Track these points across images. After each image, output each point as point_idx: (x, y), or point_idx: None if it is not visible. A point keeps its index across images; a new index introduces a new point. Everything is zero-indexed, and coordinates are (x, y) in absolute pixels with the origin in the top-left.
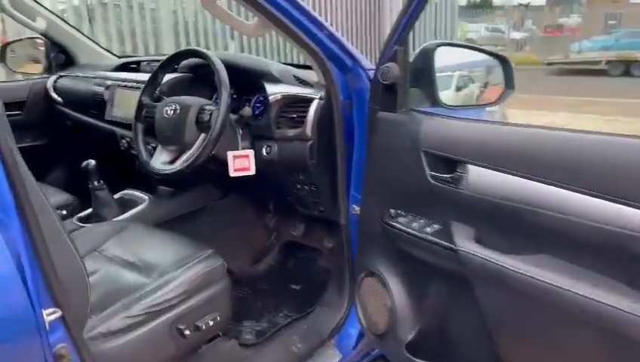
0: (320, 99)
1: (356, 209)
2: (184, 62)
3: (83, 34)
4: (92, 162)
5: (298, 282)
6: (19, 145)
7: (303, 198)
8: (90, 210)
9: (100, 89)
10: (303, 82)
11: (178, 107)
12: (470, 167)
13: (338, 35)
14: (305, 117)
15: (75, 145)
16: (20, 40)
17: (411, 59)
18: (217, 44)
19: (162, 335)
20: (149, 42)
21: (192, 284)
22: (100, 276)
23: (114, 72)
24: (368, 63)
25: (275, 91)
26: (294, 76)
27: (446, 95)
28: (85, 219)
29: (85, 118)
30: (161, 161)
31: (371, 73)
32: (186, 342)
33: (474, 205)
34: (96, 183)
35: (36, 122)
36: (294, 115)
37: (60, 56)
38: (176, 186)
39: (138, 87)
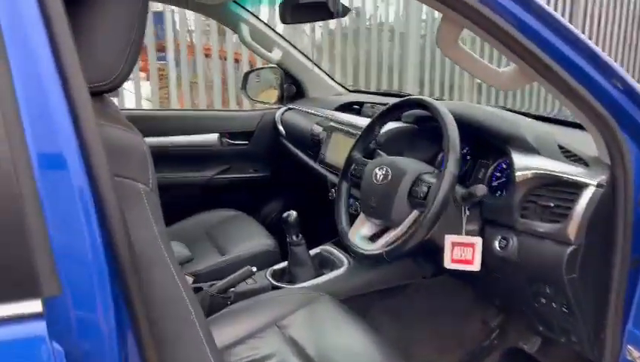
0: (598, 186)
1: (633, 353)
2: (410, 111)
3: (317, 65)
4: (293, 214)
5: None
6: (239, 175)
7: (545, 316)
8: (284, 264)
9: (318, 129)
10: (572, 156)
11: (390, 172)
12: None
13: (633, 82)
14: (570, 209)
15: (293, 182)
16: (261, 68)
17: None
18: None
19: None
20: (394, 72)
21: None
22: None
23: (336, 112)
24: None
25: (526, 165)
26: (559, 146)
27: None
28: (279, 275)
29: (302, 155)
30: (361, 234)
31: None
32: None
33: None
34: (294, 238)
35: (262, 153)
36: (552, 204)
37: (292, 88)
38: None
39: (354, 134)
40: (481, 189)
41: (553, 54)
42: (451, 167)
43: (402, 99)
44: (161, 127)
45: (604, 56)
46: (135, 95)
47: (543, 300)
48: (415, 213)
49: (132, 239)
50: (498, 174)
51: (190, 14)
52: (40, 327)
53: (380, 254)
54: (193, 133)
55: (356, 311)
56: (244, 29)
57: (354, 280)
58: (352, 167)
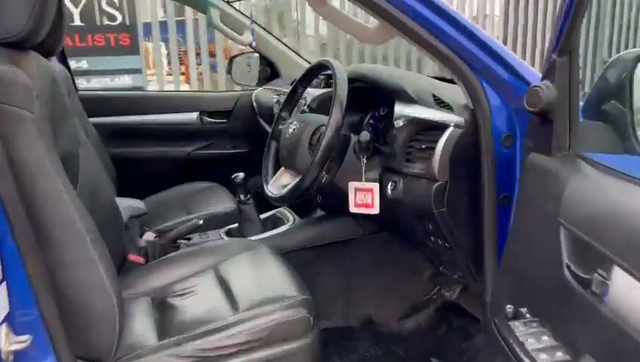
0: (457, 126)
1: None
2: None
3: (287, 45)
4: (240, 175)
5: (445, 359)
6: (219, 151)
7: (437, 254)
8: (236, 225)
9: (274, 102)
10: (442, 103)
11: (297, 125)
12: (619, 272)
13: (489, 38)
14: (434, 149)
15: None
16: (243, 53)
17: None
18: None
19: None
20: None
21: (263, 333)
22: (194, 298)
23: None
24: (537, 74)
25: (402, 114)
26: (433, 95)
27: None
28: (232, 234)
29: (268, 130)
30: (281, 183)
31: None
32: None
33: (615, 336)
34: (242, 197)
35: (240, 131)
36: (423, 146)
37: (266, 69)
38: (334, 211)
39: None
40: (364, 135)
41: (407, 11)
42: (335, 115)
43: (313, 62)
44: (146, 106)
45: (456, 13)
46: None
47: (432, 238)
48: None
49: (17, 156)
50: (379, 126)
51: None
52: None
53: (282, 196)
54: (175, 112)
55: (298, 263)
56: (214, 13)
57: (296, 235)
58: (279, 126)
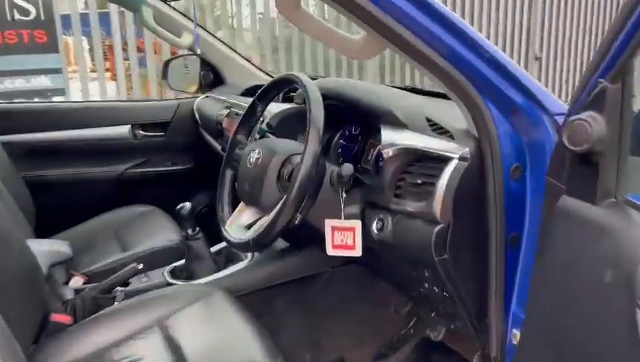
0: (462, 159)
1: (517, 335)
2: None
3: (234, 50)
4: (186, 206)
5: None
6: (156, 169)
7: (432, 302)
8: (182, 262)
9: (223, 115)
10: (439, 129)
11: (261, 154)
12: None
13: (500, 54)
14: (434, 185)
15: (215, 175)
16: (181, 56)
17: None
18: None
19: None
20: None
21: None
22: None
23: (242, 96)
24: (558, 103)
25: (392, 141)
26: (427, 119)
27: None
28: (178, 273)
29: (215, 145)
30: (240, 223)
31: (562, 120)
32: None
33: None
34: (190, 231)
35: (180, 145)
36: (419, 181)
37: (208, 75)
38: (293, 241)
39: None
40: (346, 169)
41: (399, 18)
42: (311, 144)
43: (277, 77)
44: (68, 119)
45: (456, 19)
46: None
47: (426, 284)
48: (284, 196)
49: None
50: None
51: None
52: None
53: (247, 242)
54: (102, 126)
55: (259, 305)
56: (146, 12)
57: (255, 273)
58: (235, 151)
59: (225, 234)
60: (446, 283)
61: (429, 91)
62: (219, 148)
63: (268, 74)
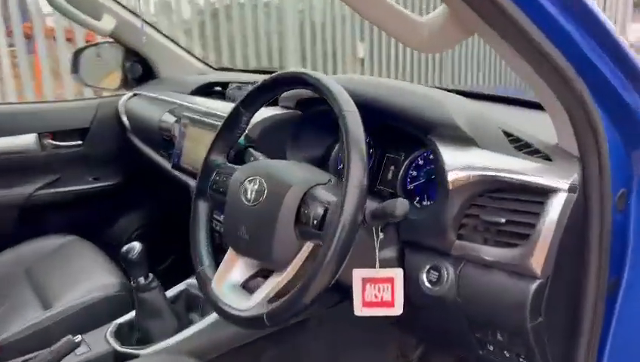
0: (570, 190)
1: None
2: (290, 92)
3: (167, 36)
4: (135, 248)
5: None
6: (73, 188)
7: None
8: (132, 315)
9: (169, 120)
10: (524, 147)
11: (265, 186)
12: None
13: (629, 49)
14: (533, 226)
15: (150, 192)
16: (96, 44)
17: None
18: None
19: None
20: (273, 46)
21: None
22: None
23: (193, 96)
24: None
25: (461, 164)
26: (505, 133)
27: None
28: (125, 335)
29: (154, 155)
30: (231, 281)
31: None
32: None
33: None
34: (142, 280)
35: (103, 156)
36: (502, 220)
37: (135, 68)
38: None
39: (217, 127)
40: (401, 206)
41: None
42: (357, 176)
43: (275, 74)
44: None
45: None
46: None
47: (491, 347)
48: (308, 247)
49: None
50: (414, 173)
51: None
52: None
53: (259, 317)
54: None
55: None
56: None
57: (227, 330)
58: (213, 177)
59: (214, 301)
60: (534, 349)
61: (478, 93)
62: (158, 159)
63: (212, 67)
